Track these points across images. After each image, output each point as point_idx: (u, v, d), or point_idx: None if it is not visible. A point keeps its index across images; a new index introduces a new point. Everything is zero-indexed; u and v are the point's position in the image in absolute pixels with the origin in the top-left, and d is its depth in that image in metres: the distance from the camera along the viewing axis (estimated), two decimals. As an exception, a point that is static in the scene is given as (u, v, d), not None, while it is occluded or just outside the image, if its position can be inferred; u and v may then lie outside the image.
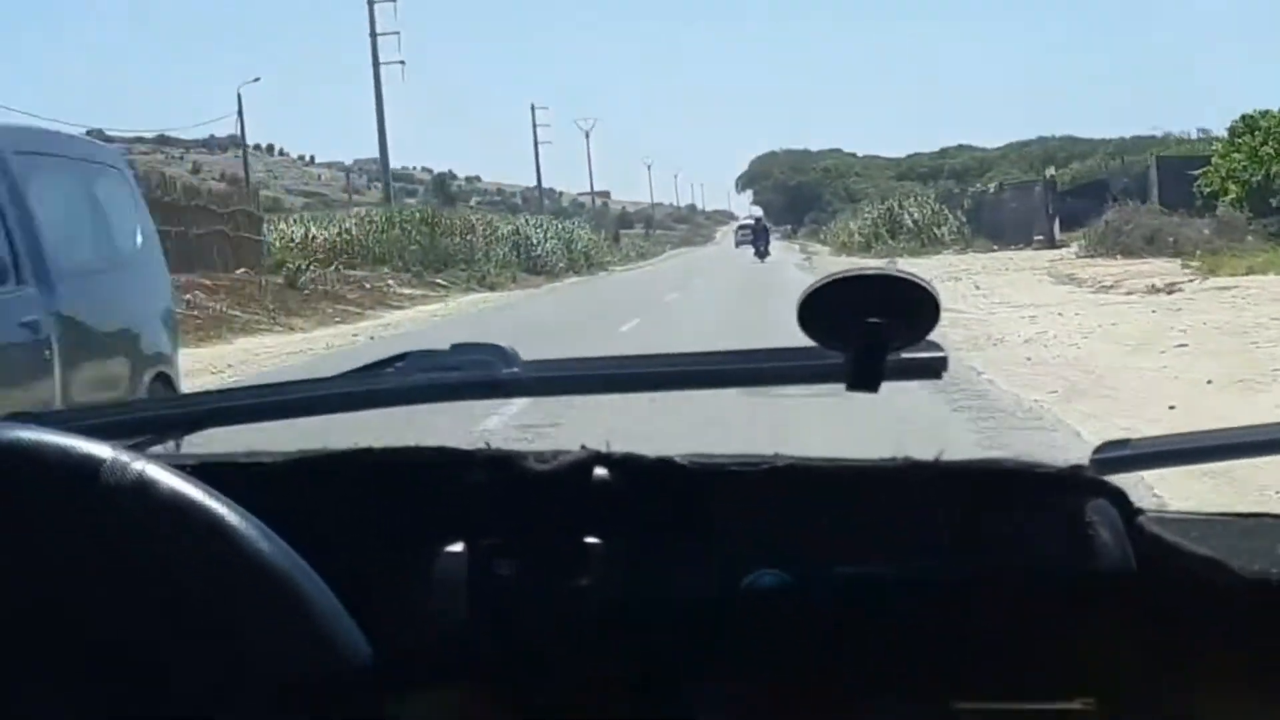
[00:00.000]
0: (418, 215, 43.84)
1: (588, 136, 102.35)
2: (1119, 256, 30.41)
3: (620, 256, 67.79)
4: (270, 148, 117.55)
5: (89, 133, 21.56)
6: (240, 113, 35.42)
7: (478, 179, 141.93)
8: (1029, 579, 1.06)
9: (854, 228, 63.84)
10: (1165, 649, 1.03)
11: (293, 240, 36.73)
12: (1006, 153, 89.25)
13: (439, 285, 35.49)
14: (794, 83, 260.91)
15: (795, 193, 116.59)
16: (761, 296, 24.81)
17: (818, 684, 1.06)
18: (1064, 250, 37.48)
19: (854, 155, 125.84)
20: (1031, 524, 1.08)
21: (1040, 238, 43.42)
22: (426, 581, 1.07)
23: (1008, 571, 1.07)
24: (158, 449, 1.15)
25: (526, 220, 55.24)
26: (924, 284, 1.05)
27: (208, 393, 1.34)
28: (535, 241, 49.34)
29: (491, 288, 37.50)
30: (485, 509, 1.10)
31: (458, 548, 1.08)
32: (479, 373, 1.20)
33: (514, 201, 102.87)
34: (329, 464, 1.12)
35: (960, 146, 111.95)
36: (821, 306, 1.05)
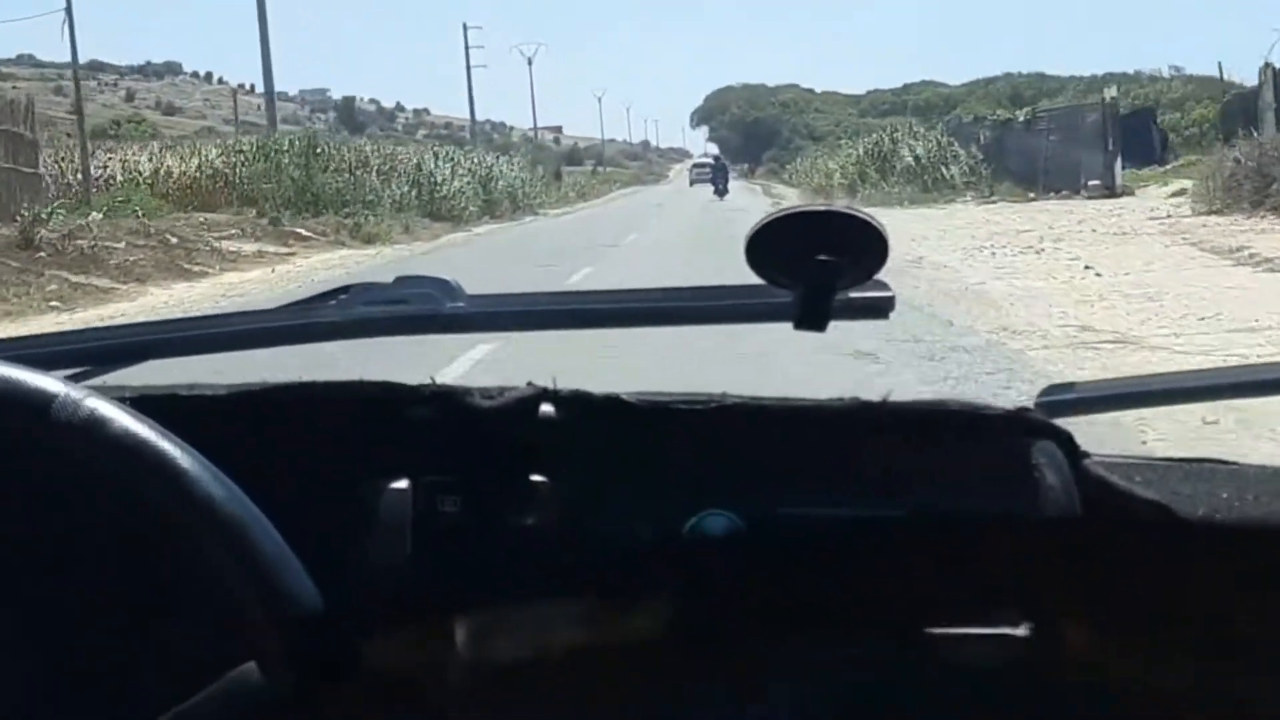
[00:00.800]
0: (295, 145, 32.85)
1: (530, 64, 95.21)
2: (1267, 214, 19.39)
3: (557, 197, 56.71)
4: (209, 75, 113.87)
5: (19, 58, 20.10)
6: (69, 17, 27.00)
7: (426, 111, 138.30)
8: (973, 518, 1.07)
9: (832, 166, 52.29)
10: (1106, 588, 1.04)
11: (140, 174, 29.88)
12: (973, 89, 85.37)
13: (298, 238, 25.65)
14: (752, 14, 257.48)
15: (752, 129, 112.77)
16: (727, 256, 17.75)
17: (759, 621, 1.07)
18: (1142, 201, 27.89)
19: (811, 91, 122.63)
20: (978, 465, 1.08)
21: (1096, 183, 32.64)
22: (370, 518, 1.06)
23: (953, 511, 1.07)
24: (96, 380, 1.13)
25: (435, 153, 42.20)
26: (872, 221, 1.04)
27: (146, 323, 1.32)
28: (440, 179, 37.51)
29: (368, 240, 26.98)
30: (430, 445, 1.09)
31: (402, 484, 1.07)
32: (423, 306, 1.19)
33: (461, 136, 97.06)
34: (271, 397, 1.11)
35: (924, 82, 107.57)
36: (769, 244, 1.04)
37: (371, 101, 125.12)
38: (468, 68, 69.25)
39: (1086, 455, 1.08)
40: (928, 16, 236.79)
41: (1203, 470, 1.11)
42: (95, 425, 0.73)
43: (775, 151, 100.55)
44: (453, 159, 41.49)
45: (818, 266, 1.04)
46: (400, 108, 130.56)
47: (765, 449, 1.10)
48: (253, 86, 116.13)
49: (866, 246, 1.04)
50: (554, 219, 42.71)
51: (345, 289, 1.22)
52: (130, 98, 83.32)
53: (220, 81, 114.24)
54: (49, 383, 0.74)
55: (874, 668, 1.04)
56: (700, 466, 1.09)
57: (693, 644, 1.05)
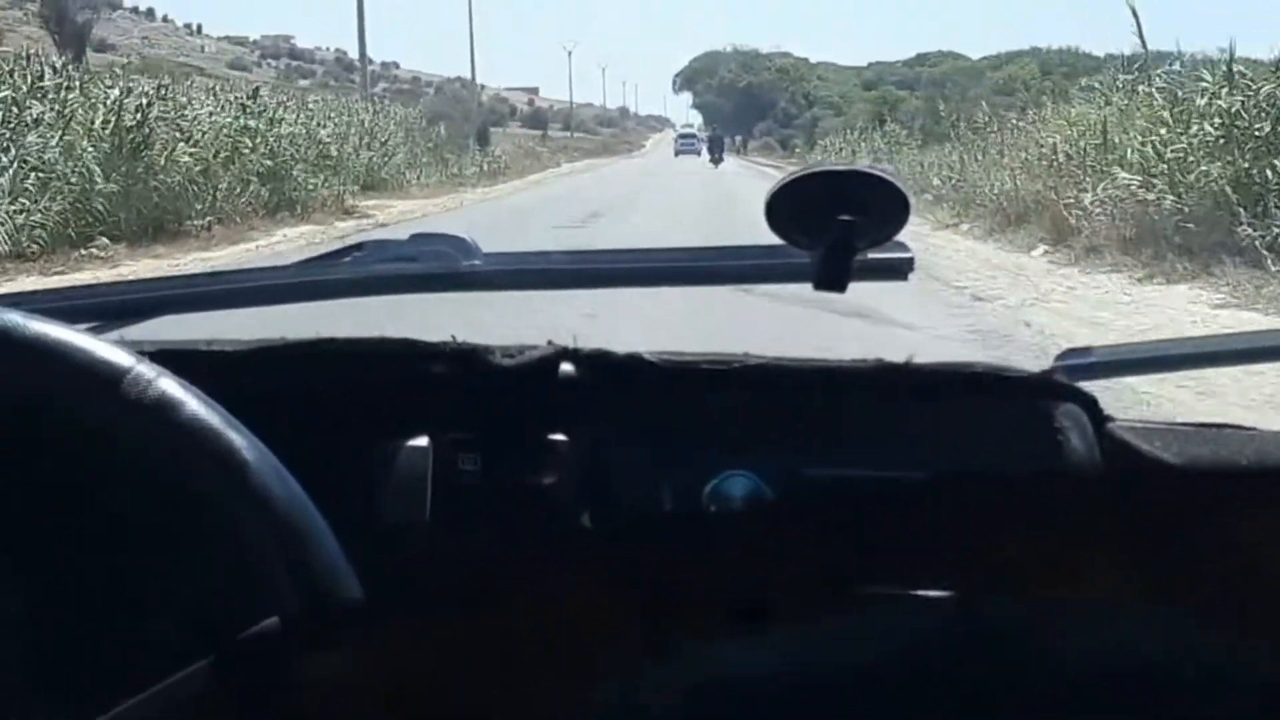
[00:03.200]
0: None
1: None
2: None
3: (468, 175, 32.95)
4: (150, 11, 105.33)
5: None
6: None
7: (395, 65, 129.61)
8: (997, 480, 1.07)
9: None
10: (1133, 543, 1.04)
11: None
12: (997, 63, 70.84)
13: None
14: None
15: (744, 96, 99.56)
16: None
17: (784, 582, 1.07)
18: None
19: (806, 60, 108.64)
20: (1002, 427, 1.08)
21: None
22: (390, 475, 1.06)
23: (976, 473, 1.07)
24: (113, 334, 1.13)
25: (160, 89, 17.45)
26: (894, 180, 1.03)
27: (161, 279, 1.32)
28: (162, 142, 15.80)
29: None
30: (450, 403, 1.09)
31: (422, 441, 1.07)
32: (438, 264, 1.18)
33: (426, 93, 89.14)
34: (291, 353, 1.10)
35: (941, 53, 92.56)
36: (789, 204, 1.04)
37: (339, 51, 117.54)
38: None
39: (1110, 419, 1.08)
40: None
41: (1222, 435, 1.11)
42: (165, 407, 0.72)
43: (769, 124, 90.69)
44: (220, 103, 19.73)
45: (838, 226, 1.03)
46: (372, 60, 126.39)
47: (787, 410, 1.10)
48: (199, 27, 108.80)
49: (887, 207, 1.03)
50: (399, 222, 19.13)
51: (359, 246, 1.22)
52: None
53: (166, 19, 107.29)
54: (121, 356, 0.73)
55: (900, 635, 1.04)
56: (721, 427, 1.09)
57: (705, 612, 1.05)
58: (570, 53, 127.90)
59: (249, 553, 0.73)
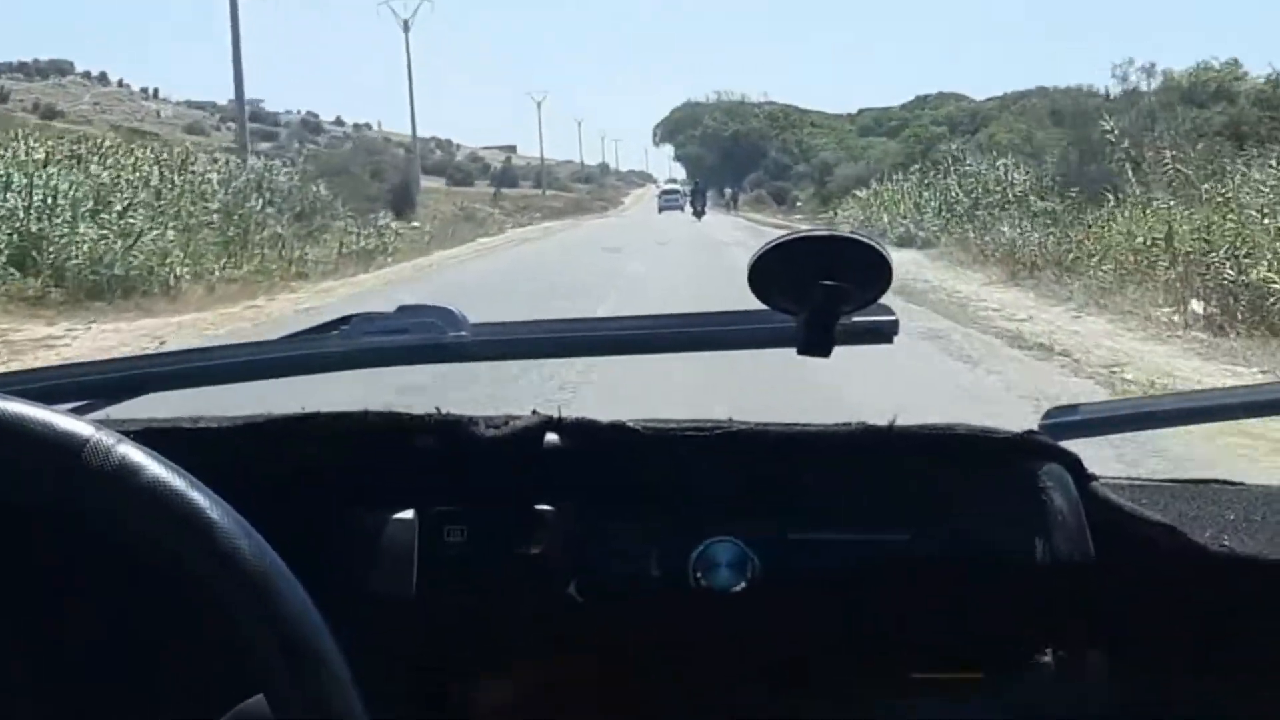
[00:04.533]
0: None
1: (406, 28, 55.54)
2: None
3: (351, 254, 22.82)
4: (103, 76, 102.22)
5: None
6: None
7: (367, 127, 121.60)
8: (982, 549, 1.07)
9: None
10: (1117, 621, 1.04)
11: None
12: (1005, 103, 62.86)
13: None
14: (720, 27, 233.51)
15: (731, 146, 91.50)
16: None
17: (770, 655, 1.06)
18: None
19: (794, 107, 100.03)
20: (985, 488, 1.08)
21: None
22: (376, 549, 1.06)
23: (963, 543, 1.07)
24: (100, 414, 1.13)
25: None
26: (876, 245, 1.04)
27: (146, 356, 1.32)
28: None
29: None
30: (435, 475, 1.09)
31: (407, 514, 1.07)
32: (426, 335, 1.19)
33: (395, 153, 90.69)
34: (276, 429, 1.10)
35: (942, 95, 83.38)
36: (773, 269, 1.04)
37: (311, 114, 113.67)
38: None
39: (1094, 477, 1.08)
40: (932, 25, 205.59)
41: (1209, 491, 1.11)
42: (126, 473, 0.72)
43: (759, 175, 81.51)
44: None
45: (822, 291, 1.04)
46: (339, 121, 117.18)
47: (771, 475, 1.10)
48: (155, 91, 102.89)
49: (871, 271, 1.04)
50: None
51: (346, 319, 1.22)
52: (4, 98, 71.11)
53: (121, 84, 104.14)
54: (81, 426, 0.73)
55: None
56: (706, 493, 1.09)
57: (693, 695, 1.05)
58: (540, 103, 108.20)
59: (223, 613, 0.73)
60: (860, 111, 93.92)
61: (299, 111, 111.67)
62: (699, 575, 1.07)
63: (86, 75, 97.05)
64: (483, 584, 1.06)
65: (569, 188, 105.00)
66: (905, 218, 27.44)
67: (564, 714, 1.06)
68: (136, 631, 1.04)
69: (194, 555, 0.72)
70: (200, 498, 0.73)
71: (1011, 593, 1.05)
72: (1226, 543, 1.02)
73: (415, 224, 33.47)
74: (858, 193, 38.81)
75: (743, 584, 1.06)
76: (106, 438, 0.72)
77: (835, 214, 38.77)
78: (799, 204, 59.34)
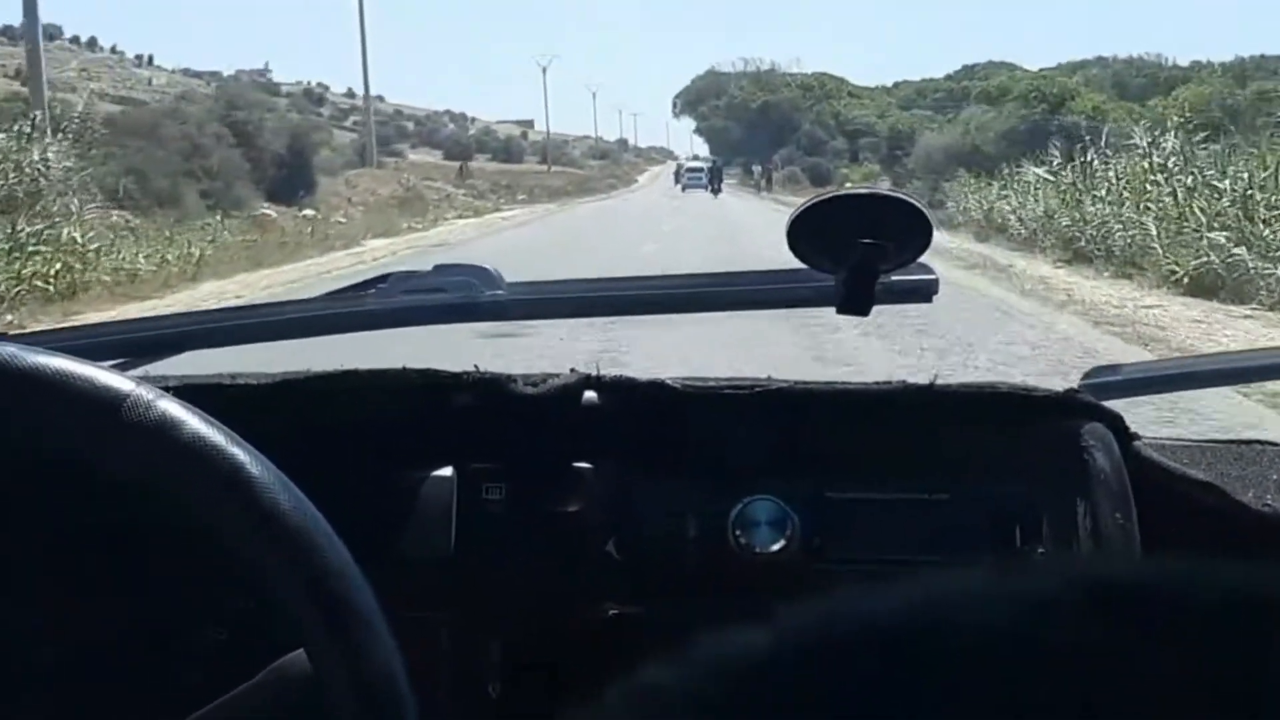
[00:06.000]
0: None
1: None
2: None
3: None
4: (92, 41, 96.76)
5: None
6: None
7: (380, 98, 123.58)
8: (1024, 509, 1.06)
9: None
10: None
11: None
12: (1057, 76, 55.63)
13: None
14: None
15: (759, 119, 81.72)
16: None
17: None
18: None
19: (830, 75, 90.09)
20: (1027, 447, 1.07)
21: None
22: (415, 506, 1.06)
23: (1003, 502, 1.06)
24: (137, 371, 1.13)
25: None
26: (916, 202, 1.03)
27: (186, 314, 1.32)
28: None
29: None
30: (474, 433, 1.09)
31: (446, 472, 1.07)
32: (462, 295, 1.19)
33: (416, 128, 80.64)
34: (315, 386, 1.10)
35: (992, 64, 75.48)
36: (812, 228, 1.03)
37: (320, 85, 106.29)
38: None
39: (1136, 436, 1.07)
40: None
41: (1251, 452, 1.10)
42: (167, 427, 0.72)
43: (791, 151, 71.25)
44: None
45: (861, 250, 1.03)
46: (350, 94, 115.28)
47: (810, 433, 1.09)
48: (150, 58, 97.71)
49: (910, 229, 1.03)
50: None
51: (384, 277, 1.22)
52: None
53: (115, 50, 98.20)
54: (121, 381, 0.73)
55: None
56: (745, 451, 1.08)
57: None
58: (545, 69, 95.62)
59: (259, 571, 0.73)
60: (896, 84, 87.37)
61: (308, 82, 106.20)
62: (738, 534, 1.06)
63: (75, 40, 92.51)
64: (521, 541, 1.07)
65: (580, 164, 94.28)
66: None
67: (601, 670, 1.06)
68: (168, 601, 1.05)
69: (233, 511, 0.72)
70: (240, 453, 0.73)
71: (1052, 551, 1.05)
72: (1270, 502, 1.01)
73: (308, 212, 25.03)
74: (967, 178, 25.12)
75: (781, 542, 1.06)
76: (147, 393, 0.72)
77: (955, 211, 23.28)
78: (848, 185, 48.29)
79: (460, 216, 33.20)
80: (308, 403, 1.10)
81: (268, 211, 21.38)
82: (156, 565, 1.03)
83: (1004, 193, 21.56)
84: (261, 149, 26.90)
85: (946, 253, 14.76)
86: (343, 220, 24.79)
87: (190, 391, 0.98)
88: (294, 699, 0.80)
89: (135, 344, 1.19)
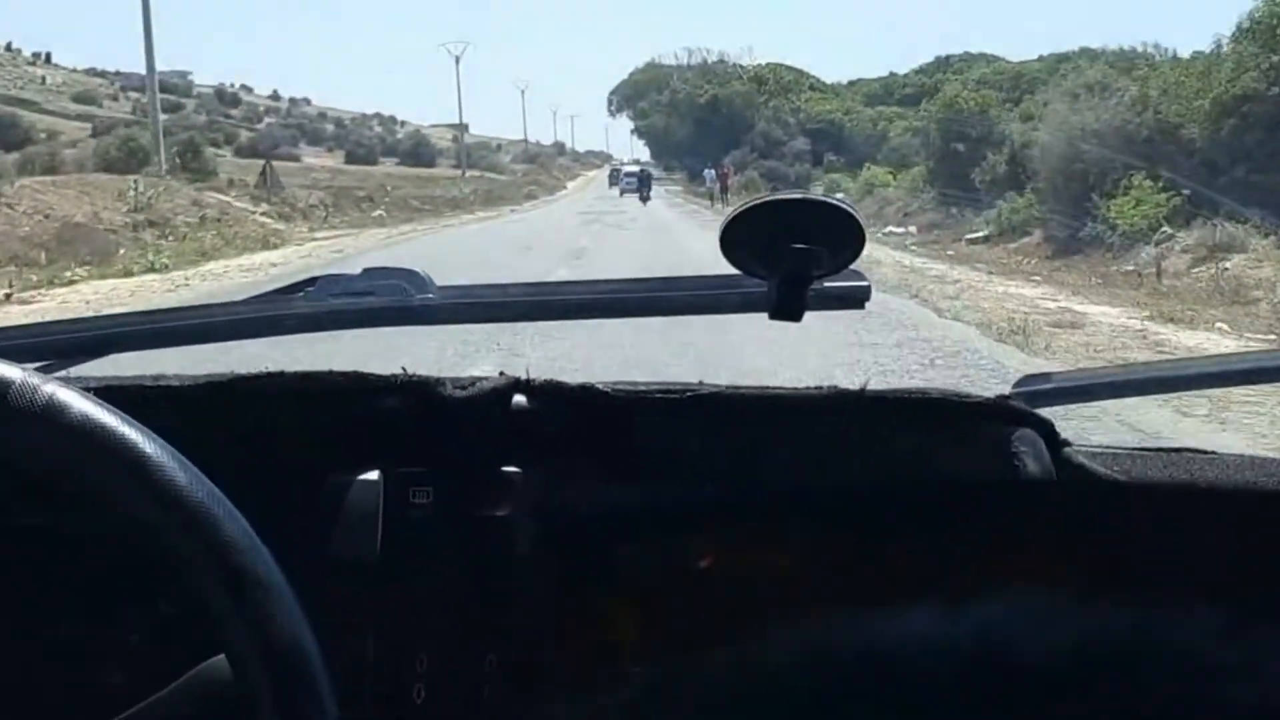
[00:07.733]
0: None
1: None
2: None
3: None
4: (9, 46, 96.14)
5: None
6: None
7: (307, 101, 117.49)
8: (955, 495, 1.07)
9: None
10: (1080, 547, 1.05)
11: None
12: (1045, 66, 51.04)
13: None
14: None
15: (707, 116, 73.09)
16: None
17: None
18: None
19: (787, 67, 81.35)
20: (957, 453, 1.08)
21: None
22: (340, 510, 1.05)
23: (932, 489, 1.07)
24: (60, 374, 1.11)
25: None
26: (849, 209, 1.03)
27: (109, 316, 1.31)
28: None
29: None
30: (402, 436, 1.08)
31: (373, 475, 1.06)
32: (392, 299, 1.18)
33: (336, 130, 78.39)
34: (239, 388, 1.09)
35: (970, 55, 70.01)
36: (744, 233, 1.03)
37: (244, 88, 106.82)
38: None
39: (1066, 444, 1.08)
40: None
41: (1182, 459, 1.11)
42: (54, 411, 0.71)
43: (744, 153, 62.82)
44: None
45: (793, 255, 1.03)
46: (276, 96, 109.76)
47: (740, 439, 1.09)
48: (48, 56, 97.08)
49: (843, 235, 1.03)
50: None
51: (312, 281, 1.21)
52: None
53: (10, 48, 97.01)
54: (5, 369, 0.72)
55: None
56: (674, 457, 1.08)
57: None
58: (458, 58, 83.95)
59: (163, 551, 0.72)
60: (851, 83, 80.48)
61: (231, 85, 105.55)
62: None
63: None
64: (448, 546, 1.06)
65: (503, 169, 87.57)
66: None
67: (535, 676, 1.06)
68: (82, 592, 1.03)
69: (128, 489, 0.72)
70: (132, 432, 0.72)
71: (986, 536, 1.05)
72: (1197, 509, 1.02)
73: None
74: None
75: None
76: (34, 379, 0.71)
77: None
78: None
79: (158, 263, 19.23)
80: (232, 405, 1.08)
81: None
82: (68, 570, 1.01)
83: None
84: None
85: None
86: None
87: (111, 393, 0.96)
88: (216, 704, 0.79)
89: (57, 346, 1.17)
